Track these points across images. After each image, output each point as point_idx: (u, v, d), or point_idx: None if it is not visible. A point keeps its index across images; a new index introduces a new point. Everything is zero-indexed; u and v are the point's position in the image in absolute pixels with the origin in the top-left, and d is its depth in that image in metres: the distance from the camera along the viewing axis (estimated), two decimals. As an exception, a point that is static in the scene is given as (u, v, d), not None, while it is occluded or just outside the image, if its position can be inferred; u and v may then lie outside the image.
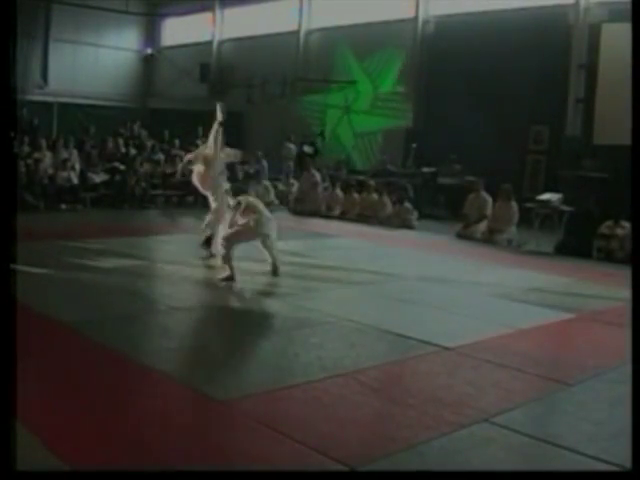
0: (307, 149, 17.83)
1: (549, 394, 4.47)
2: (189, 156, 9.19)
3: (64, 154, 14.12)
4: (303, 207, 14.54)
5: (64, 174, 13.52)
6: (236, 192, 7.62)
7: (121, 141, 16.33)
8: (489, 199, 12.05)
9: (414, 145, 15.88)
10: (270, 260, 7.51)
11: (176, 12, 23.61)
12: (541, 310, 6.70)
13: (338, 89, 18.58)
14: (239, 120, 20.90)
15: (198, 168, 8.60)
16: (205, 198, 9.02)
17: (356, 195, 14.28)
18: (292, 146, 17.86)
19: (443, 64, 16.16)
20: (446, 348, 5.24)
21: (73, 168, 13.86)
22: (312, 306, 6.45)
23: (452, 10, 16.33)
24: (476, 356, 5.08)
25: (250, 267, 7.60)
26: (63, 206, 13.23)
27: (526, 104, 14.63)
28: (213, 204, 8.56)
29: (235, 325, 6.12)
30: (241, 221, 7.22)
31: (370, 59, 18.09)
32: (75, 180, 13.62)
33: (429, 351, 5.19)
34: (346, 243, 10.96)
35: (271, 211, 8.02)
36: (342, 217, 13.98)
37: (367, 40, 17.81)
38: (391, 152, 17.11)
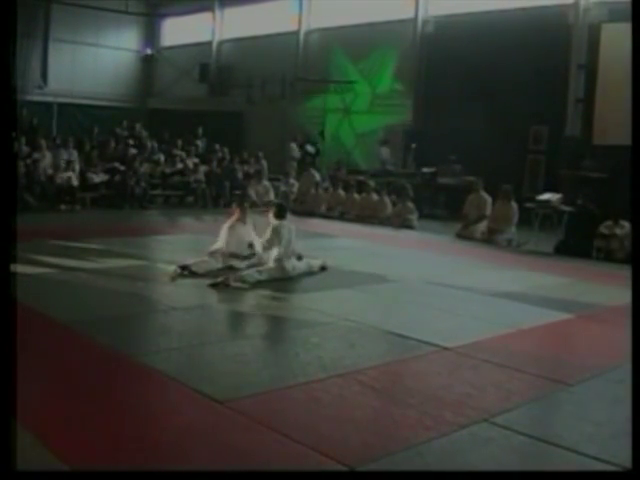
0: (310, 148, 17.81)
1: (549, 394, 4.47)
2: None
3: (64, 154, 14.12)
4: (303, 207, 14.53)
5: (63, 174, 13.51)
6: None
7: (119, 142, 16.35)
8: (489, 199, 12.05)
9: (414, 145, 15.88)
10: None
11: (176, 12, 23.60)
12: (541, 310, 6.70)
13: (336, 91, 18.54)
14: (239, 120, 20.94)
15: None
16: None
17: (356, 195, 14.28)
18: (295, 146, 17.80)
19: (443, 64, 16.16)
20: (446, 348, 5.24)
21: (73, 168, 13.85)
22: (312, 306, 6.44)
23: (452, 10, 16.33)
24: (476, 356, 5.08)
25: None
26: (62, 206, 13.23)
27: (526, 104, 14.63)
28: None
29: (235, 325, 6.12)
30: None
31: (365, 60, 18.09)
32: (74, 180, 13.61)
33: (429, 351, 5.19)
34: (346, 243, 10.96)
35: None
36: (342, 217, 13.97)
37: (367, 40, 17.81)
38: (391, 152, 17.09)
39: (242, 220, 8.00)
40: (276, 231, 7.60)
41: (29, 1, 19.53)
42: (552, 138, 14.65)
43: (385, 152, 17.22)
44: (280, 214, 7.81)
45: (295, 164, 17.44)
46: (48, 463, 3.13)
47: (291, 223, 8.03)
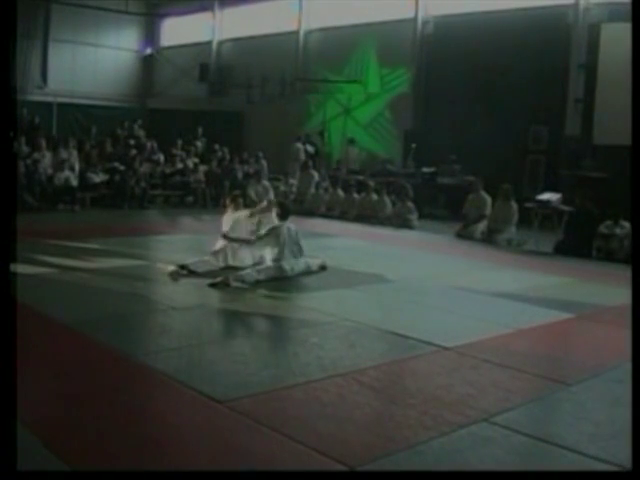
0: (309, 148, 17.82)
1: (549, 394, 4.47)
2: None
3: (63, 154, 14.11)
4: (303, 207, 14.53)
5: (62, 174, 13.51)
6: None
7: (118, 142, 16.36)
8: (488, 199, 12.06)
9: (414, 145, 15.89)
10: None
11: (175, 12, 23.60)
12: (541, 310, 6.70)
13: (343, 87, 18.53)
14: (238, 120, 20.95)
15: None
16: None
17: (356, 195, 14.28)
18: (301, 146, 17.79)
19: (443, 64, 16.16)
20: (446, 348, 5.24)
21: (72, 168, 13.85)
22: (312, 306, 6.45)
23: (452, 10, 16.33)
24: (476, 356, 5.09)
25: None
26: (61, 206, 13.22)
27: (526, 104, 14.64)
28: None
29: (235, 325, 6.12)
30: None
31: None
32: (73, 180, 13.61)
33: (429, 351, 5.19)
34: (346, 243, 10.96)
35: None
36: (342, 217, 13.97)
37: (367, 41, 17.83)
38: (390, 152, 17.10)
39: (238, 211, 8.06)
40: (276, 232, 7.62)
41: (29, 1, 19.53)
42: (552, 138, 14.65)
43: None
44: (284, 215, 7.82)
45: (298, 164, 17.44)
46: (48, 463, 3.14)
47: (292, 223, 8.03)
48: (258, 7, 20.85)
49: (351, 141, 17.65)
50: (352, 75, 18.21)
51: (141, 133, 17.92)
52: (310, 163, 16.21)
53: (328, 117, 18.72)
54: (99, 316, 5.72)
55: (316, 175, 15.64)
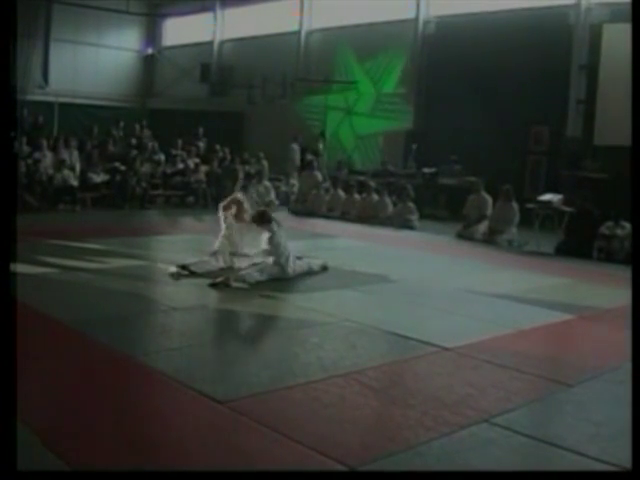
0: (309, 157, 17.83)
1: (549, 394, 4.47)
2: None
3: (64, 154, 14.11)
4: (304, 207, 14.52)
5: (63, 174, 13.50)
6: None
7: (116, 143, 16.35)
8: (489, 199, 12.05)
9: (414, 145, 15.89)
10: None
11: (176, 12, 23.60)
12: (541, 310, 6.70)
13: (339, 90, 18.55)
14: (239, 120, 20.95)
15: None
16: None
17: (357, 196, 14.27)
18: (297, 147, 17.79)
19: (444, 64, 16.14)
20: (446, 348, 5.24)
21: (72, 168, 13.84)
22: (312, 306, 6.44)
23: (453, 10, 16.33)
24: (476, 356, 5.08)
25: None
26: (61, 206, 13.23)
27: (527, 104, 14.62)
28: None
29: (235, 325, 6.12)
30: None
31: (372, 60, 18.07)
32: (73, 180, 13.60)
33: (429, 351, 5.18)
34: (347, 244, 10.96)
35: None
36: (343, 218, 13.97)
37: (368, 41, 17.82)
38: (391, 152, 17.09)
39: (240, 217, 7.96)
40: (276, 240, 7.53)
41: (30, 1, 19.53)
42: (553, 139, 14.64)
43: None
44: (265, 219, 7.55)
45: (295, 164, 17.43)
46: (48, 463, 3.13)
47: (280, 222, 7.88)
48: (259, 7, 20.84)
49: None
50: (373, 70, 18.17)
51: (146, 133, 17.87)
52: (315, 164, 16.21)
53: (331, 117, 18.73)
54: (99, 316, 5.72)
55: (319, 176, 15.64)
